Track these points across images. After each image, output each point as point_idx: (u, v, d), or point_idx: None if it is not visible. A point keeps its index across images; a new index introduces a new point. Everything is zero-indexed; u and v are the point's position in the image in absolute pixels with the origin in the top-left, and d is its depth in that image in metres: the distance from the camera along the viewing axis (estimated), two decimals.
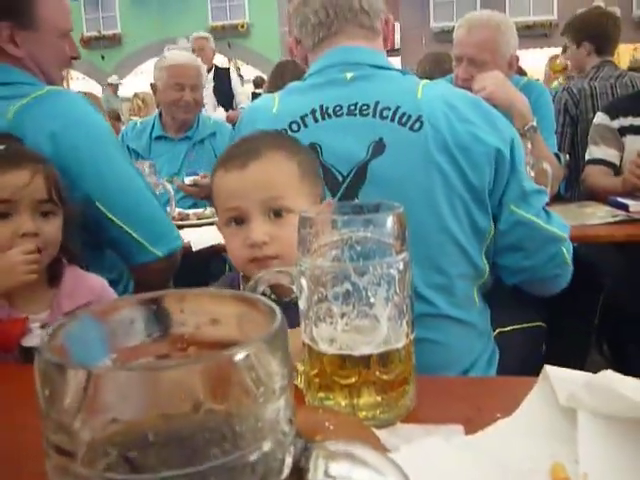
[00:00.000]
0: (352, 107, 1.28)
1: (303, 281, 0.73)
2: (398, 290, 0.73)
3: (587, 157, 2.77)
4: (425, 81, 1.34)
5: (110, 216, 1.50)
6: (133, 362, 0.37)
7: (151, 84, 3.14)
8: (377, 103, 1.27)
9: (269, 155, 1.04)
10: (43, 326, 1.26)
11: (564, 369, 0.74)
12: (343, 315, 0.72)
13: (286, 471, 0.32)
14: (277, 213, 1.03)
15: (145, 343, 0.40)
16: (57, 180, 1.32)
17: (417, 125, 1.24)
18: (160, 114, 3.11)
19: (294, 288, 0.74)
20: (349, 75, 1.32)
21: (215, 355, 0.30)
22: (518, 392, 0.76)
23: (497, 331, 1.48)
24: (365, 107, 1.27)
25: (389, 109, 1.26)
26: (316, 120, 1.29)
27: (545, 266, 1.35)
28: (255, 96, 8.70)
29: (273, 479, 0.31)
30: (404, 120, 1.25)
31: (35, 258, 1.24)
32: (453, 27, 2.68)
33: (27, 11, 1.56)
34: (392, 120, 1.25)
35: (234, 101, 6.06)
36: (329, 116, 1.29)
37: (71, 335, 0.35)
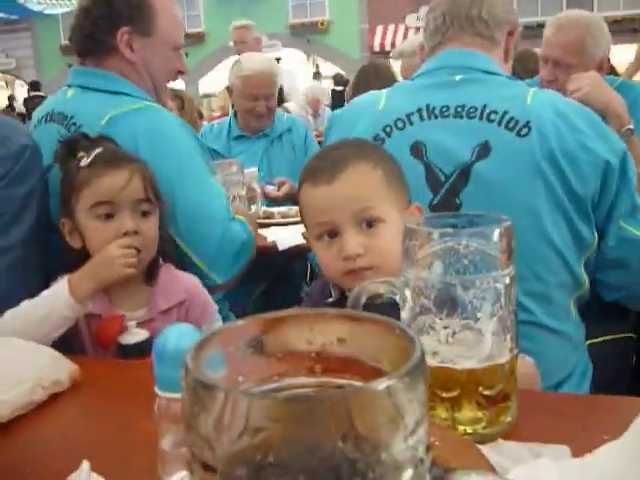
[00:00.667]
0: (459, 109, 1.27)
1: (407, 292, 0.73)
2: (503, 304, 0.71)
3: None
4: (535, 88, 1.32)
5: (175, 237, 1.52)
6: (274, 384, 0.38)
7: (227, 87, 3.18)
8: (485, 106, 1.26)
9: (355, 166, 1.04)
10: (140, 324, 1.31)
11: None
12: (446, 328, 0.72)
13: None
14: (369, 224, 1.03)
15: (272, 360, 0.41)
16: (152, 179, 1.36)
17: (524, 131, 1.22)
18: (235, 114, 3.16)
19: (397, 298, 0.74)
20: (458, 77, 1.32)
21: (362, 385, 0.31)
22: (625, 412, 0.73)
23: (587, 342, 1.44)
24: (472, 110, 1.26)
25: (496, 113, 1.24)
26: (422, 119, 1.30)
27: None
28: (335, 93, 8.70)
29: None
30: (511, 125, 1.23)
31: (132, 252, 1.28)
32: (537, 23, 2.60)
33: (147, 19, 1.66)
34: (499, 124, 1.24)
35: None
36: (435, 116, 1.29)
37: (208, 354, 0.36)
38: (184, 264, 1.52)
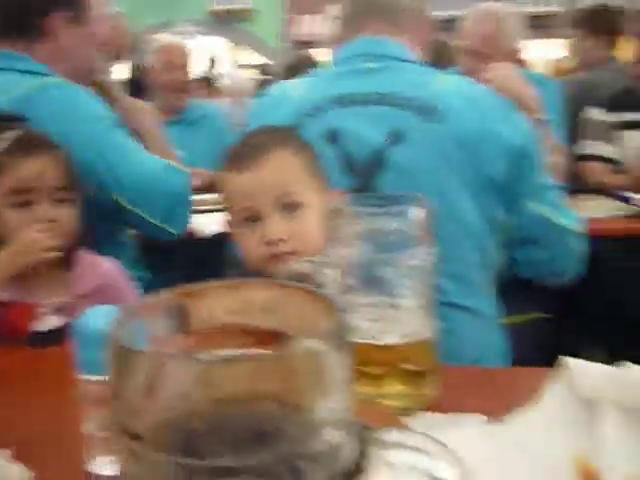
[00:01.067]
0: (373, 96, 1.30)
1: (330, 271, 0.74)
2: (423, 281, 0.74)
3: (587, 152, 2.80)
4: (445, 75, 1.35)
5: (120, 201, 1.53)
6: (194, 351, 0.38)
7: (141, 69, 3.16)
8: (396, 93, 1.29)
9: (277, 152, 1.07)
10: (56, 310, 1.27)
11: (582, 361, 0.75)
12: (369, 305, 0.74)
13: (350, 460, 0.33)
14: (291, 209, 1.05)
15: (196, 331, 0.41)
16: (72, 166, 1.33)
17: (435, 116, 1.25)
18: (149, 101, 3.13)
19: (321, 278, 0.75)
20: (370, 65, 1.34)
21: (287, 347, 0.31)
22: (540, 383, 0.77)
23: (505, 322, 1.50)
24: (385, 96, 1.29)
25: (408, 99, 1.27)
26: (337, 106, 1.32)
27: (559, 260, 1.37)
28: (262, 83, 8.63)
29: (338, 469, 0.32)
30: (423, 111, 1.26)
31: (51, 236, 1.25)
32: (453, 17, 2.68)
33: (81, 10, 1.67)
34: (411, 110, 1.27)
35: None
36: (349, 104, 1.31)
37: (132, 325, 0.36)
38: (138, 224, 1.60)
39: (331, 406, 0.32)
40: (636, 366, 0.70)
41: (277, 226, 1.03)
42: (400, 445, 0.35)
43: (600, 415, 0.68)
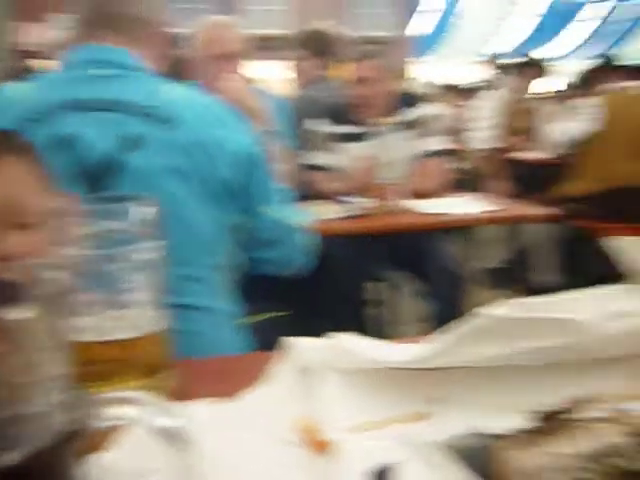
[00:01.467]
0: (102, 102, 1.30)
1: (58, 273, 0.73)
2: (151, 276, 0.77)
3: (310, 162, 3.07)
4: (175, 84, 1.40)
5: None
6: None
7: None
8: (127, 100, 1.30)
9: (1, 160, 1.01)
10: None
11: (301, 338, 0.85)
12: (98, 303, 0.74)
13: (69, 420, 0.35)
14: (20, 221, 1.00)
15: None
16: None
17: (166, 124, 1.29)
18: None
19: (52, 281, 0.74)
20: (99, 72, 1.33)
21: None
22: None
23: (250, 320, 1.59)
24: (115, 103, 1.29)
25: (139, 107, 1.29)
26: (65, 113, 1.29)
27: (290, 255, 1.50)
28: None
29: (55, 429, 0.34)
30: (153, 118, 1.29)
31: None
32: (190, 33, 2.73)
33: None
34: (142, 117, 1.29)
35: None
36: (78, 110, 1.29)
37: None
38: None
39: (46, 370, 0.33)
40: (345, 335, 0.80)
41: (6, 241, 0.97)
42: (122, 401, 0.37)
43: (321, 381, 0.77)
